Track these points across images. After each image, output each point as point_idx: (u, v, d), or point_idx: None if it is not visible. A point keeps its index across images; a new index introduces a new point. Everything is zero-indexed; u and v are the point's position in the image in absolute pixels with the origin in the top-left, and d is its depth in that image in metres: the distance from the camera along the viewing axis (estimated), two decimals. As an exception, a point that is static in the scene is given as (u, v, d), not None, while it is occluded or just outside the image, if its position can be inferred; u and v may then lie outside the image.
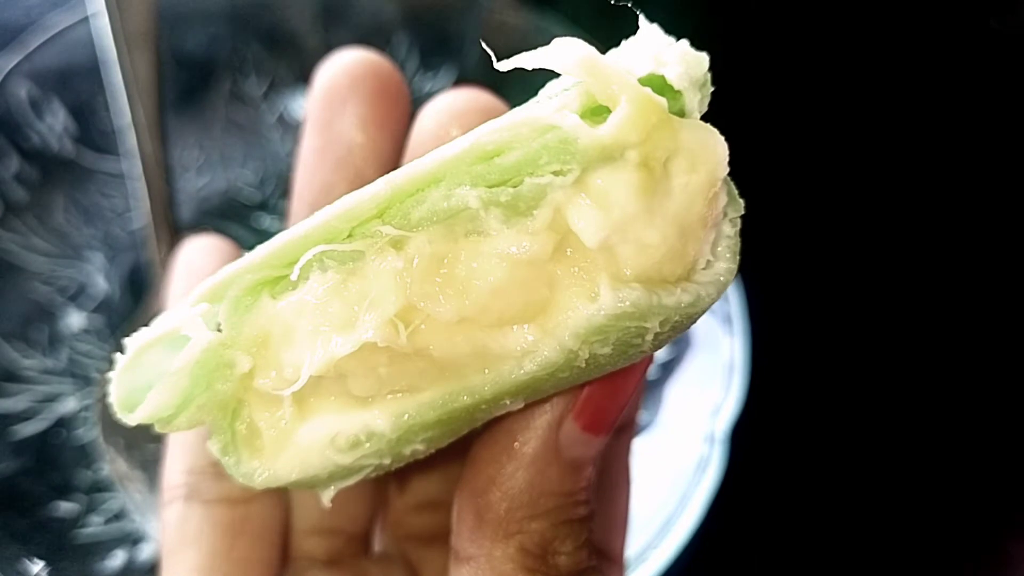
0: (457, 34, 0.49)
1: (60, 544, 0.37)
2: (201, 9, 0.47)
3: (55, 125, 0.45)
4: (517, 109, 0.19)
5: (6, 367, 0.41)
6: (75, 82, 0.45)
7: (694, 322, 0.19)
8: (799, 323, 0.47)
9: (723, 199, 0.19)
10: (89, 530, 0.38)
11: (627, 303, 0.18)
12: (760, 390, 0.41)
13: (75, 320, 0.43)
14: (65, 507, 0.39)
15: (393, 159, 0.25)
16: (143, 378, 0.20)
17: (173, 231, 0.43)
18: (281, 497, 0.26)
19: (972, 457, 0.45)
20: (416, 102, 0.25)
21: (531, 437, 0.21)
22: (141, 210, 0.43)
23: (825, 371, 0.46)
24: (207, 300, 0.20)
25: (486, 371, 0.19)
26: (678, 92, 0.18)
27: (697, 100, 0.18)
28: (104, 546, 0.38)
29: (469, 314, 0.18)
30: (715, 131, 0.18)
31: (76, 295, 0.44)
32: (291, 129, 0.48)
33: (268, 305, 0.20)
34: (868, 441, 0.45)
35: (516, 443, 0.21)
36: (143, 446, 0.40)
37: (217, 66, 0.48)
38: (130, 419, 0.20)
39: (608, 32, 0.20)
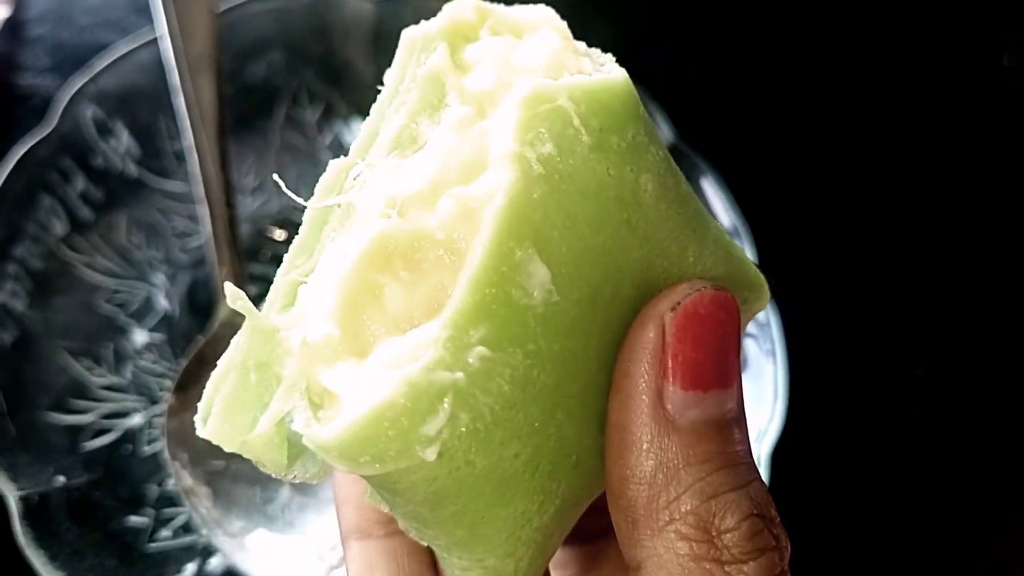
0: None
1: (131, 556, 0.38)
2: (260, 37, 0.48)
3: (119, 147, 0.46)
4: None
5: (75, 382, 0.42)
6: (138, 105, 0.46)
7: (629, 116, 0.22)
8: (832, 348, 0.49)
9: (583, 46, 0.23)
10: (158, 544, 0.39)
11: (527, 88, 0.20)
12: (798, 414, 0.43)
13: (139, 337, 0.44)
14: (135, 519, 0.40)
15: None
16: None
17: (235, 251, 0.44)
18: None
19: (1010, 478, 0.47)
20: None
21: (637, 419, 0.20)
22: (204, 231, 0.44)
23: (858, 395, 0.48)
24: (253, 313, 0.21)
25: (478, 226, 0.20)
26: None
27: None
28: (174, 558, 0.39)
29: (437, 177, 0.21)
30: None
31: (139, 313, 0.45)
32: (343, 154, 0.49)
33: (303, 291, 0.22)
34: (901, 459, 0.47)
35: (627, 433, 0.20)
36: (207, 461, 0.41)
37: (274, 93, 0.49)
38: (205, 432, 0.21)
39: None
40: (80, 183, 0.45)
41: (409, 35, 0.23)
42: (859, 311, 0.50)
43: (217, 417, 0.20)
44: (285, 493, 0.41)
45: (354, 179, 0.21)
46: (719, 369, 0.20)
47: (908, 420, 0.49)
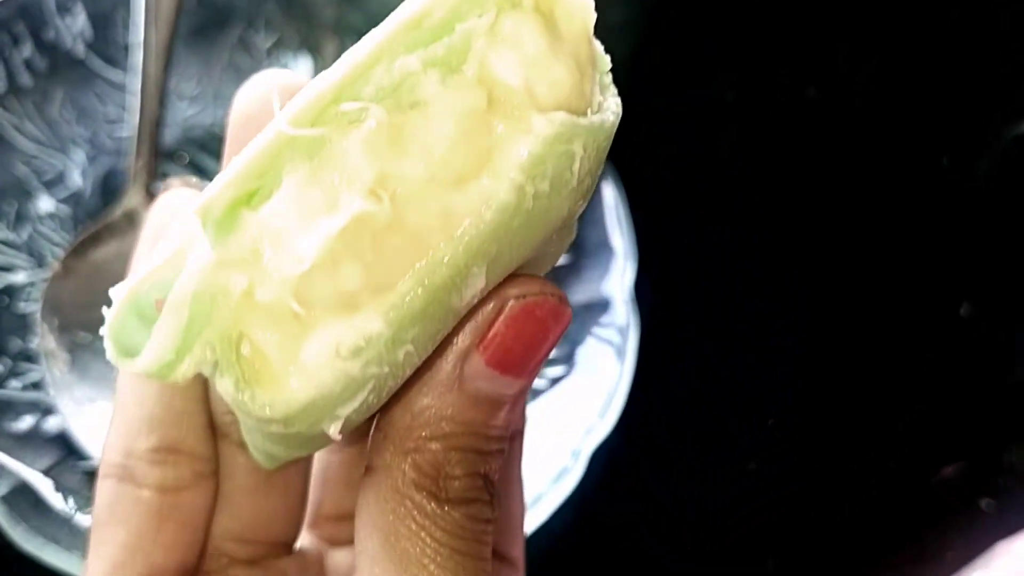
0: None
1: (-25, 396, 0.41)
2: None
3: (73, 26, 0.49)
4: None
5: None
6: (102, -8, 0.49)
7: (603, 157, 0.22)
8: (679, 354, 0.51)
9: (597, 48, 0.23)
10: (4, 391, 0.42)
11: (557, 124, 0.20)
12: (631, 420, 0.46)
13: (44, 204, 0.47)
14: (-11, 365, 0.43)
15: None
16: (137, 327, 0.20)
17: (154, 149, 0.47)
18: (211, 490, 0.27)
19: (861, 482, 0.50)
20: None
21: (440, 364, 0.22)
22: (130, 123, 0.47)
23: (695, 408, 0.51)
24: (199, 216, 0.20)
25: (455, 234, 0.20)
26: None
27: None
28: (15, 407, 0.42)
29: (434, 171, 0.20)
30: None
31: (51, 183, 0.48)
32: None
33: (249, 218, 0.20)
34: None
35: (428, 367, 0.22)
36: (75, 331, 0.44)
37: (233, 12, 0.52)
38: (131, 367, 0.20)
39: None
40: (27, 50, 0.47)
41: None
42: (721, 344, 0.52)
43: (150, 349, 0.20)
44: (139, 377, 0.44)
45: (341, 112, 0.20)
46: (522, 362, 0.22)
47: (746, 472, 0.51)
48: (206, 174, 0.50)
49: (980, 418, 0.53)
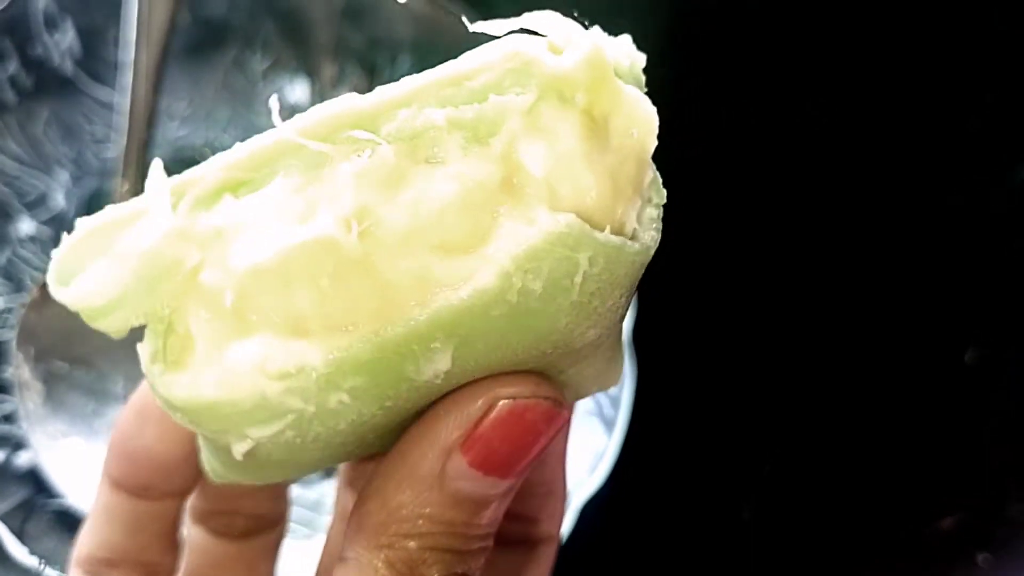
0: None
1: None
2: (230, -25, 0.50)
3: (62, 42, 0.47)
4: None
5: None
6: (93, 8, 0.47)
7: (624, 286, 0.20)
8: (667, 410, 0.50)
9: (650, 175, 0.21)
10: (-24, 424, 0.41)
11: (562, 224, 0.19)
12: (622, 474, 0.44)
13: (25, 226, 0.45)
14: (-41, 396, 0.41)
15: None
16: (86, 263, 0.20)
17: (141, 171, 0.46)
18: None
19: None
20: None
21: (420, 456, 0.21)
22: (117, 143, 0.45)
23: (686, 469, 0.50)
24: (171, 194, 0.19)
25: (424, 299, 0.19)
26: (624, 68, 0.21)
27: (639, 80, 0.21)
28: (-15, 442, 0.40)
29: (419, 226, 0.19)
30: (652, 105, 0.20)
31: (33, 204, 0.46)
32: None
33: (228, 204, 0.20)
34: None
35: (403, 462, 0.21)
36: (52, 361, 0.43)
37: (229, 32, 0.50)
38: (63, 295, 0.19)
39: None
40: (12, 66, 0.46)
41: (516, 50, 0.20)
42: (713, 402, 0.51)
43: (84, 282, 0.20)
44: (116, 411, 0.43)
45: (352, 137, 0.19)
46: (508, 464, 0.21)
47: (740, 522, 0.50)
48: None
49: (979, 469, 0.52)
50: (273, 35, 0.51)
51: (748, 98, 0.55)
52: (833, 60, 0.55)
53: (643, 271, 0.21)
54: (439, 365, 0.19)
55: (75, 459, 0.41)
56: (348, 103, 0.19)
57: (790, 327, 0.53)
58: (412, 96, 0.19)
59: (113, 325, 0.19)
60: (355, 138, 0.19)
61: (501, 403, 0.21)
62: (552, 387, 0.22)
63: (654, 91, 0.21)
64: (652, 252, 0.21)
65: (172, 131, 0.49)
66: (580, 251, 0.19)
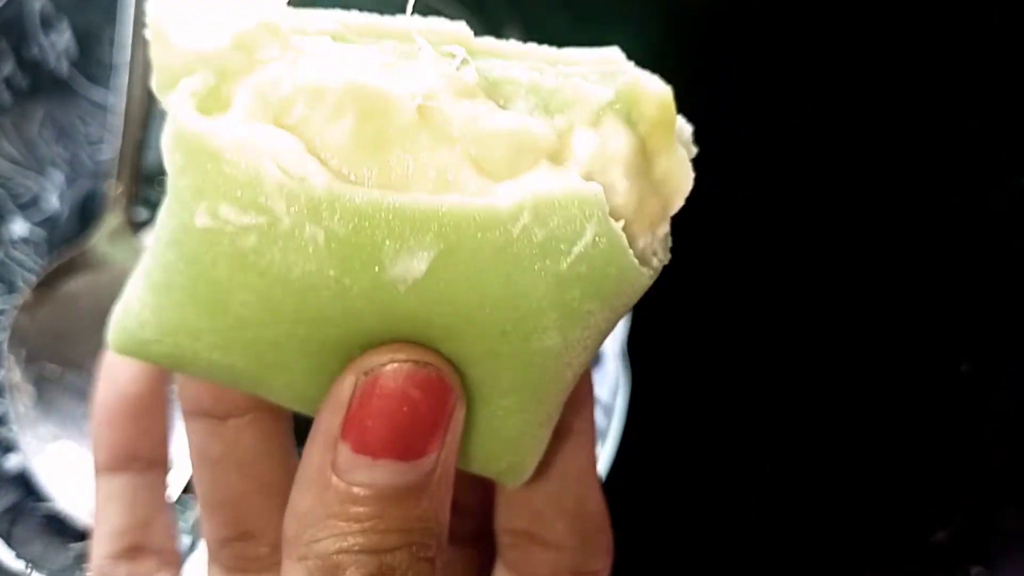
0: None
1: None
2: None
3: (58, 43, 0.47)
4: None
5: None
6: (90, 9, 0.47)
7: (587, 315, 0.20)
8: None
9: (665, 229, 0.22)
10: (-35, 426, 0.40)
11: (587, 189, 0.19)
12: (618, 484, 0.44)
13: (18, 228, 0.45)
14: (-52, 396, 0.40)
15: None
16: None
17: (135, 173, 0.45)
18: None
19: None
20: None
21: (310, 453, 0.20)
22: (112, 144, 0.45)
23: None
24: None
25: (436, 193, 0.19)
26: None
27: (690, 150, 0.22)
28: (-25, 445, 0.40)
29: (467, 134, 0.19)
30: (692, 172, 0.21)
31: (26, 205, 0.46)
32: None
33: (323, 40, 0.20)
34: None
35: (304, 459, 0.20)
36: (43, 364, 0.42)
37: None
38: (172, 27, 0.20)
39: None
40: (8, 68, 0.45)
41: (613, 57, 0.22)
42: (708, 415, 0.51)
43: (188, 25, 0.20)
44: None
45: (453, 49, 0.20)
46: (396, 443, 0.20)
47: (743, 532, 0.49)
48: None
49: (975, 477, 0.52)
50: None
51: (745, 100, 0.55)
52: (833, 61, 0.55)
53: (618, 316, 0.21)
54: (414, 264, 0.19)
55: (65, 463, 0.41)
56: (463, 30, 0.21)
57: (787, 331, 0.53)
58: (511, 52, 0.21)
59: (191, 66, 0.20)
60: (452, 53, 0.20)
61: (360, 379, 0.20)
62: (421, 351, 0.20)
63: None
64: (637, 290, 0.21)
65: (168, 133, 0.49)
66: (590, 222, 0.19)
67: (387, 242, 0.19)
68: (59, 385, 0.42)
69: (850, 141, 0.56)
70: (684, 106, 0.21)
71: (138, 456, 0.29)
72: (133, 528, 0.28)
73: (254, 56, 0.20)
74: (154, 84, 0.21)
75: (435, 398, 0.20)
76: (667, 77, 0.21)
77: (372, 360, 0.20)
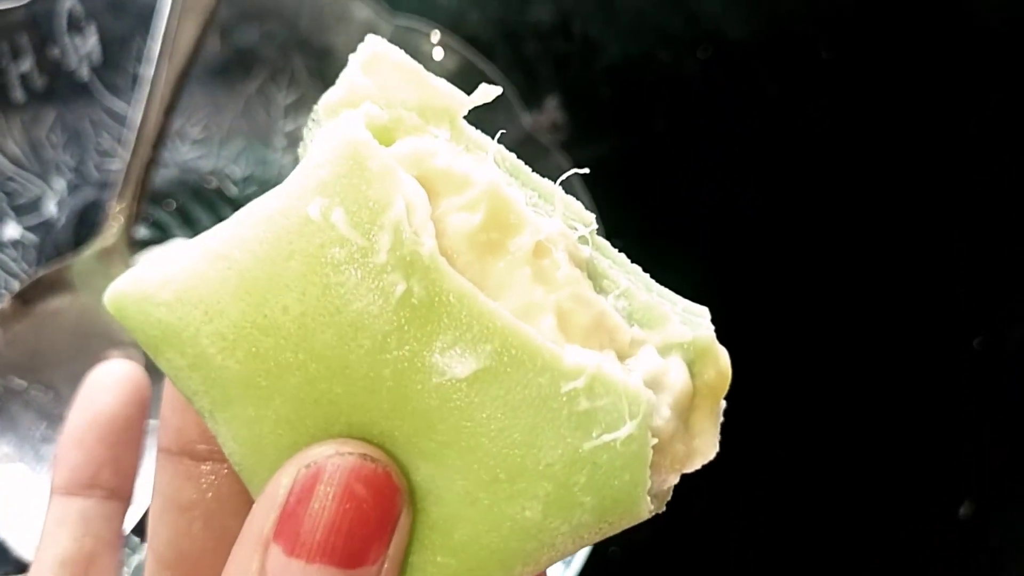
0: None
1: None
2: (268, 5, 0.48)
3: (82, 47, 0.45)
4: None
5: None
6: (121, 16, 0.46)
7: (561, 522, 0.20)
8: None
9: (674, 482, 0.21)
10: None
11: (641, 384, 0.19)
12: None
13: (10, 230, 0.43)
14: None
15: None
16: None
17: (140, 191, 0.43)
18: None
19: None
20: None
21: (238, 554, 0.18)
22: (122, 158, 0.43)
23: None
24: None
25: (509, 300, 0.20)
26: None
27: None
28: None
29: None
30: (718, 442, 0.22)
31: (23, 208, 0.44)
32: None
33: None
34: None
35: (230, 564, 0.18)
36: (9, 378, 0.40)
37: (257, 62, 0.48)
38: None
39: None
40: (26, 65, 0.44)
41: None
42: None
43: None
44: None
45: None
46: (337, 544, 0.18)
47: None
48: (192, 223, 0.46)
49: (980, 469, 0.50)
50: (302, 71, 0.49)
51: (748, 100, 0.54)
52: (833, 61, 0.55)
53: (596, 532, 0.20)
54: (461, 363, 0.19)
55: (13, 488, 0.38)
56: (591, 218, 0.21)
57: (788, 327, 0.51)
58: (620, 261, 0.22)
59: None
60: (576, 227, 0.21)
61: (301, 470, 0.18)
62: (370, 447, 0.19)
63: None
64: (626, 516, 0.20)
65: (182, 153, 0.47)
66: (632, 419, 0.19)
67: (450, 331, 0.19)
68: (23, 400, 0.40)
69: (851, 137, 0.55)
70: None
71: (100, 483, 0.27)
72: (77, 560, 0.26)
73: (427, 125, 0.21)
74: (332, 96, 0.21)
75: (381, 497, 0.18)
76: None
77: (316, 451, 0.18)
